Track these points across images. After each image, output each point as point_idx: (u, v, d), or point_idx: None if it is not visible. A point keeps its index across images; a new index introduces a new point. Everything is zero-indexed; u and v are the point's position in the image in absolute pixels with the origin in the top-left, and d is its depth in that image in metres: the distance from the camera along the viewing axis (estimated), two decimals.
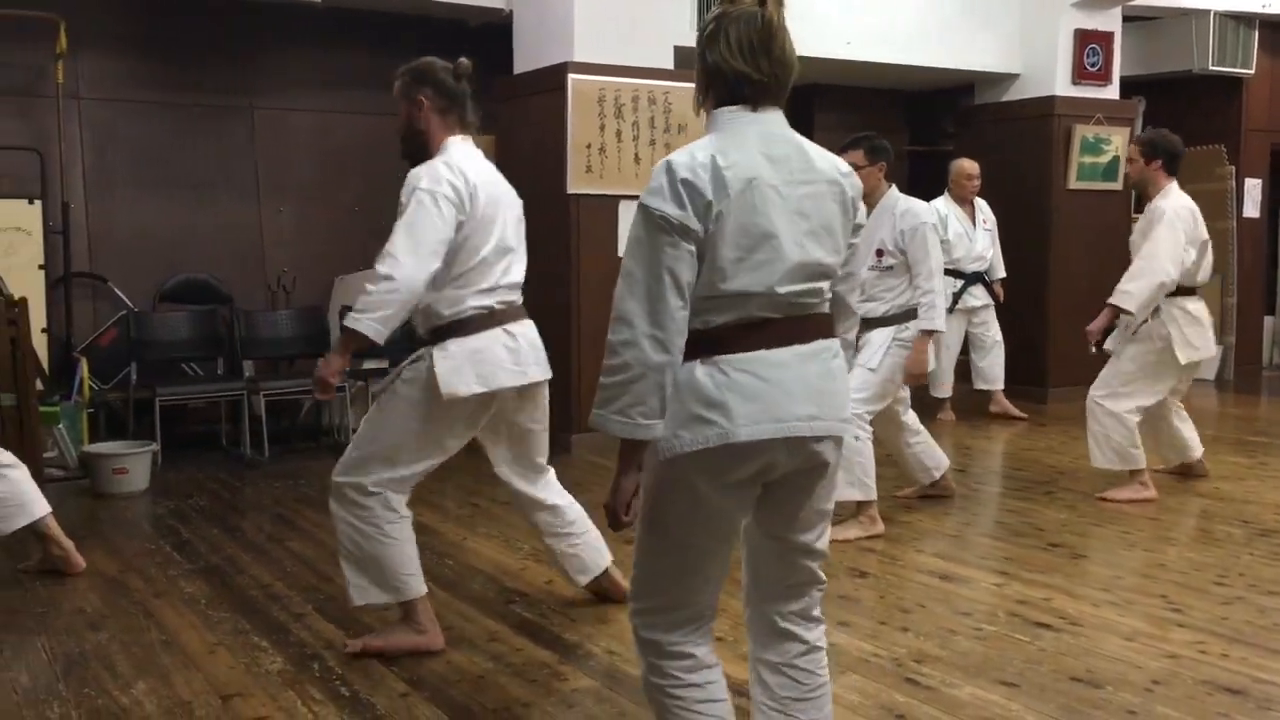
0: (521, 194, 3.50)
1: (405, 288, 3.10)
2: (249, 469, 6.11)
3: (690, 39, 6.63)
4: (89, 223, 6.57)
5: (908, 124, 9.54)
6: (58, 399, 5.79)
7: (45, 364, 5.92)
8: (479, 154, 3.40)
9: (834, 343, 2.20)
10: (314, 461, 6.26)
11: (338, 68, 7.21)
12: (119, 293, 6.58)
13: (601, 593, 3.80)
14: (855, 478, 4.49)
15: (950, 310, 6.59)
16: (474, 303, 3.27)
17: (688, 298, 2.02)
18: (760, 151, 2.07)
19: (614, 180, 6.43)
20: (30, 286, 5.91)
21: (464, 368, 3.23)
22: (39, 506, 4.09)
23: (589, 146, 6.32)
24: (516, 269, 3.39)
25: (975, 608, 3.84)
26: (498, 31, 6.95)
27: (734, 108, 2.12)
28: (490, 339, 3.28)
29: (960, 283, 7.22)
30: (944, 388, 7.38)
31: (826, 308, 2.20)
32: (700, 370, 2.05)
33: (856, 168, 3.60)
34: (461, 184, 3.21)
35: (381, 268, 3.11)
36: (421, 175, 3.21)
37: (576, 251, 6.37)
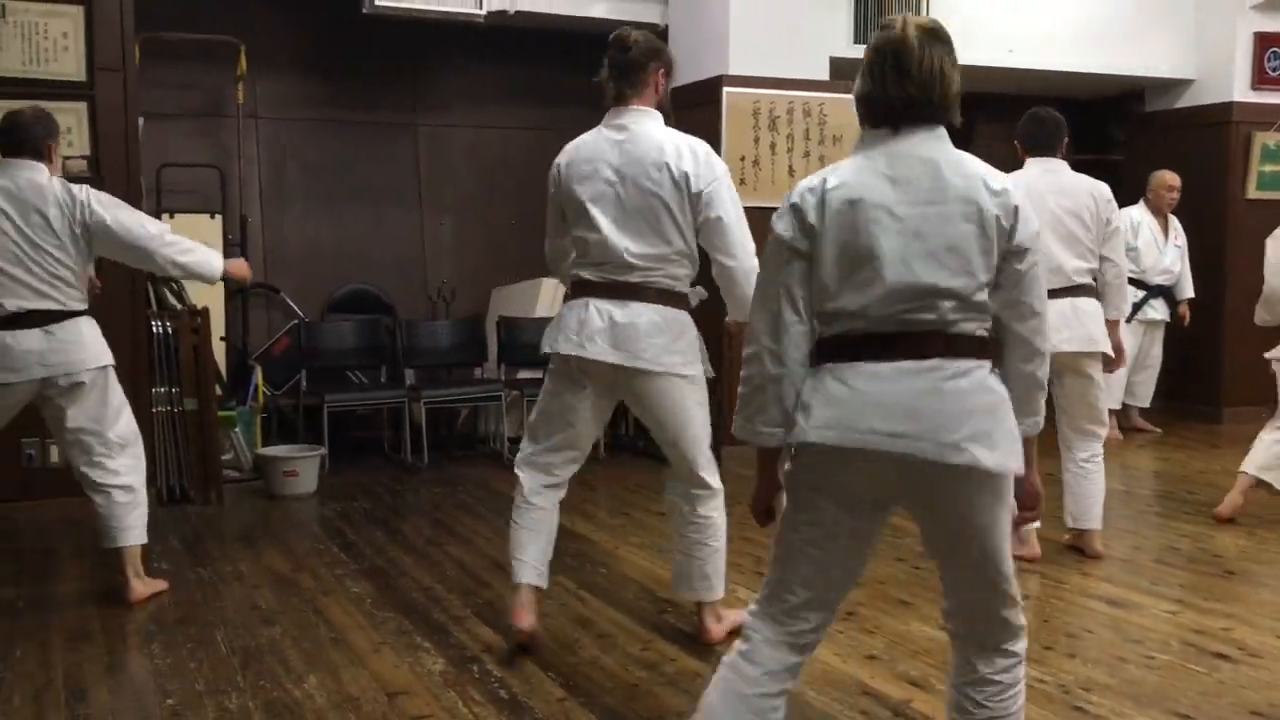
0: None
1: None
2: (409, 474, 6.31)
3: (847, 50, 6.67)
4: (264, 236, 6.90)
5: (1074, 133, 9.21)
6: (234, 404, 6.09)
7: (223, 371, 6.24)
8: (602, 129, 3.39)
9: (961, 364, 2.07)
10: (471, 469, 6.42)
11: (496, 83, 7.39)
12: (291, 303, 6.88)
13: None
14: None
15: (1128, 320, 6.33)
16: (573, 272, 3.45)
17: (804, 313, 2.15)
18: (882, 173, 2.10)
19: (767, 193, 6.40)
20: (210, 297, 6.22)
21: (550, 329, 3.45)
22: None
23: (743, 159, 6.32)
24: (621, 244, 3.29)
25: (1147, 635, 3.67)
26: None
27: (873, 130, 2.16)
28: (572, 307, 3.39)
29: (1143, 294, 6.99)
30: (1112, 400, 7.12)
31: (965, 327, 2.09)
32: (807, 378, 2.16)
33: None
34: (557, 161, 3.49)
35: None
36: None
37: None
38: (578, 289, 3.41)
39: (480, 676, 3.33)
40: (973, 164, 2.12)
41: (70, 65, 5.14)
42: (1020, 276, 2.11)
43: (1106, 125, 9.02)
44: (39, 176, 3.81)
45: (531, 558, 3.50)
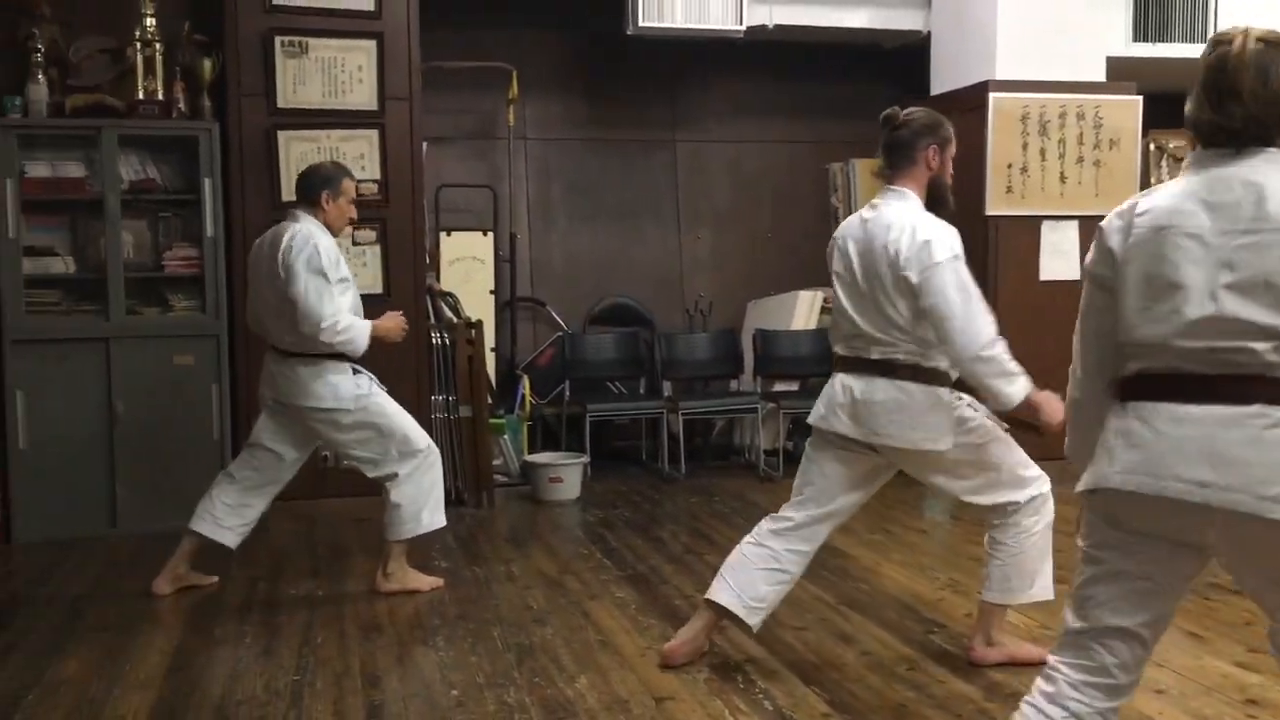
0: (942, 217, 3.42)
1: None
2: (666, 483, 6.42)
3: (1125, 49, 6.33)
4: (531, 252, 7.21)
5: None
6: (503, 412, 6.39)
7: (493, 380, 6.56)
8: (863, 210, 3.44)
9: None
10: (726, 479, 6.48)
11: (754, 98, 7.45)
12: (555, 316, 7.16)
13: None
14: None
15: None
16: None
17: (1104, 343, 2.08)
18: (1200, 197, 1.95)
19: (1036, 200, 6.17)
20: (482, 309, 6.58)
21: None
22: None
23: (1009, 166, 6.11)
24: (856, 320, 3.37)
25: None
26: (912, 53, 6.90)
27: (1202, 150, 2.01)
28: (830, 380, 3.46)
29: None
30: None
31: None
32: (1112, 413, 2.06)
33: None
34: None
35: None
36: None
37: (994, 276, 6.16)
38: (833, 363, 3.48)
39: (745, 686, 3.36)
40: None
41: (364, 95, 5.55)
42: None
43: None
44: (290, 225, 4.18)
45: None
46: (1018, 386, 3.10)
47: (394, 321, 4.29)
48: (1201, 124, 2.01)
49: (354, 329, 4.12)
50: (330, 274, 4.08)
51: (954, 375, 3.34)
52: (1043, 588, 3.45)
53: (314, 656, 3.65)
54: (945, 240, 3.20)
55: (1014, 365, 3.12)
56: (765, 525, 3.53)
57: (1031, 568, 3.42)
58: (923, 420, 3.27)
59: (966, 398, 3.35)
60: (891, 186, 3.36)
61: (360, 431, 4.24)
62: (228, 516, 4.35)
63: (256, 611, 4.14)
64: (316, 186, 4.22)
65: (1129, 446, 1.99)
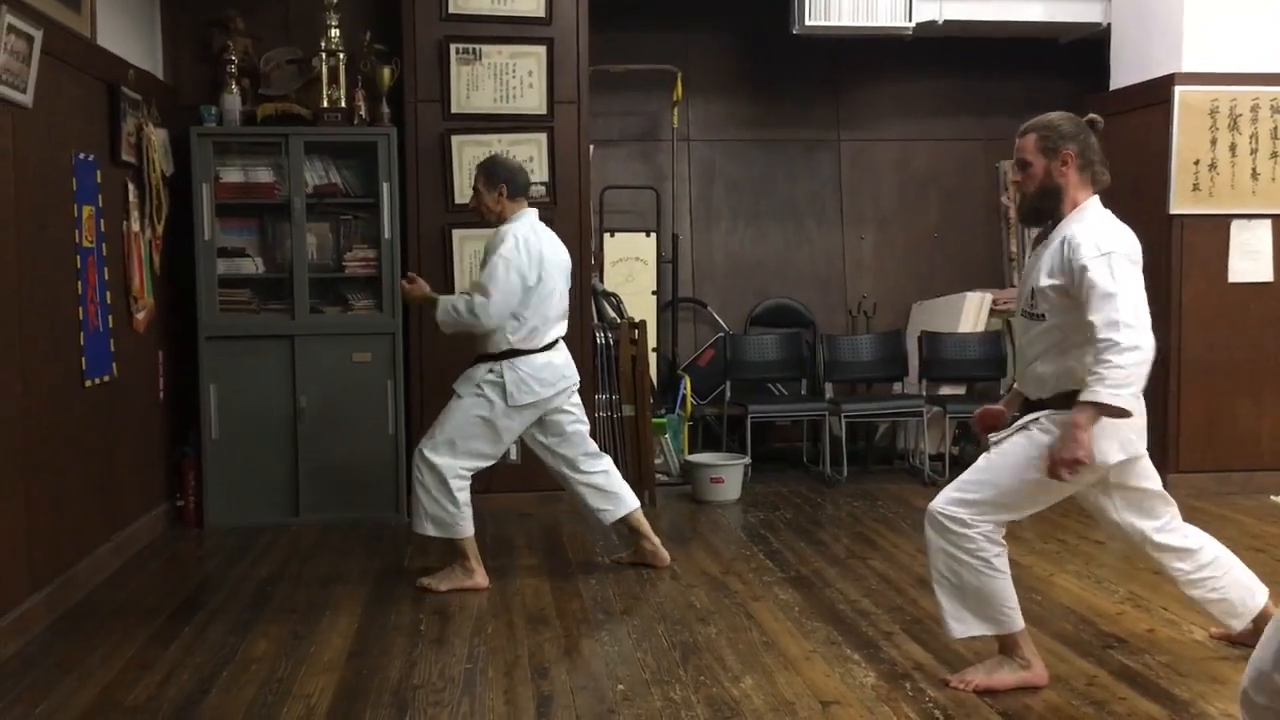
0: (1119, 215, 3.30)
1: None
2: (828, 486, 6.36)
3: None
4: (693, 252, 7.24)
5: None
6: (664, 411, 6.44)
7: (654, 380, 6.61)
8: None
9: None
10: (889, 484, 6.37)
11: (919, 96, 7.30)
12: (716, 316, 7.17)
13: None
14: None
15: None
16: None
17: None
18: None
19: (1225, 199, 5.86)
20: (645, 309, 6.64)
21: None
22: (630, 500, 4.67)
23: (1197, 163, 5.82)
24: None
25: None
26: (1089, 47, 6.65)
27: None
28: None
29: None
30: None
31: None
32: None
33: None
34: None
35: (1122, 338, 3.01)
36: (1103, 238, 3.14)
37: (1178, 278, 5.88)
38: None
39: (913, 694, 3.30)
40: None
41: (534, 100, 5.67)
42: None
43: None
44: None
45: (1016, 600, 3.39)
46: (1131, 396, 3.04)
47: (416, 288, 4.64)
48: None
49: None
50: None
51: None
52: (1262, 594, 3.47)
53: (485, 646, 3.76)
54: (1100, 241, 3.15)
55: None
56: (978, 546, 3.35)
57: (1241, 588, 3.43)
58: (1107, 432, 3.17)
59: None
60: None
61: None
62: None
63: (429, 601, 4.28)
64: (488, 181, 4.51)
65: None
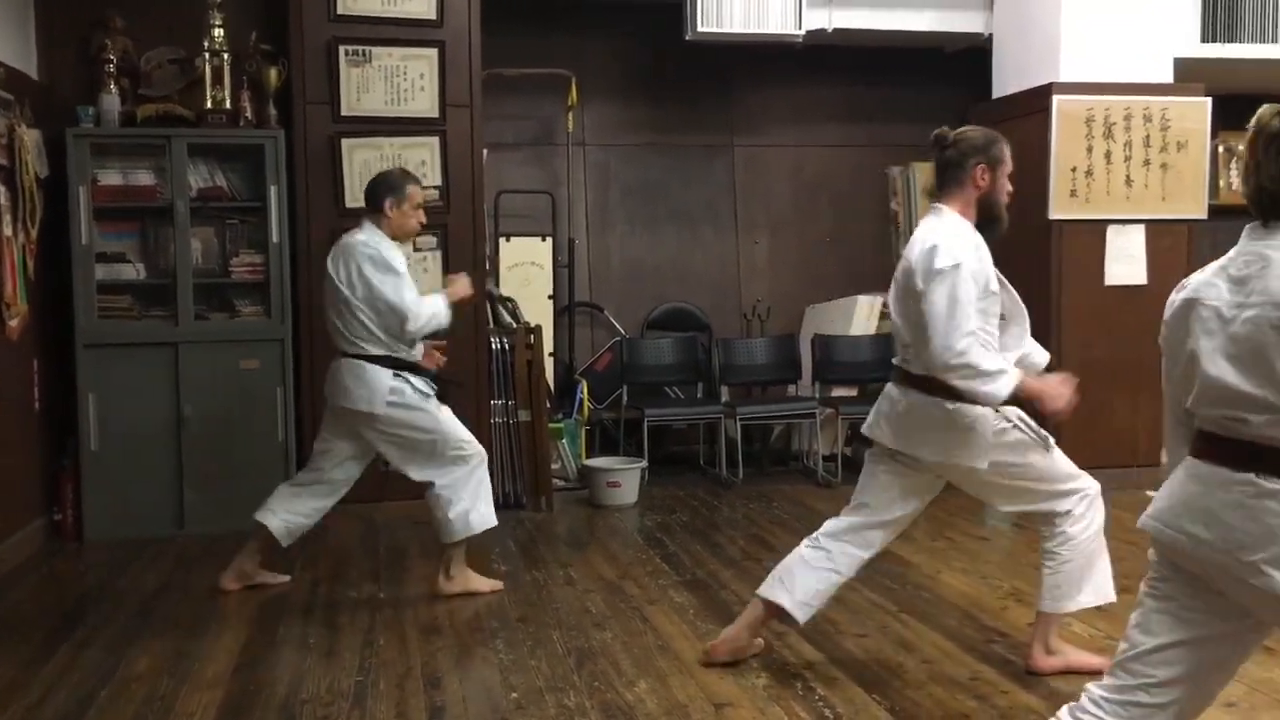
0: None
1: None
2: (724, 488, 6.41)
3: (1195, 49, 6.21)
4: (589, 257, 7.24)
5: None
6: (561, 416, 6.42)
7: (551, 385, 6.59)
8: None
9: (1274, 483, 1.89)
10: (784, 485, 6.45)
11: (811, 102, 7.42)
12: (613, 321, 7.18)
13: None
14: None
15: None
16: None
17: (1173, 403, 2.13)
18: (1228, 271, 2.01)
19: (1101, 204, 6.08)
20: (541, 314, 6.61)
21: None
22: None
23: (1074, 170, 6.02)
24: (901, 334, 3.41)
25: None
26: (974, 56, 6.83)
27: (1247, 225, 2.04)
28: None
29: None
30: None
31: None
32: None
33: None
34: None
35: None
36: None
37: (1058, 281, 6.08)
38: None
39: (804, 694, 3.34)
40: None
41: (425, 103, 5.61)
42: None
43: None
44: (357, 234, 4.26)
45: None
46: (998, 384, 3.09)
47: (460, 283, 4.41)
48: (1243, 196, 2.06)
49: (431, 304, 4.23)
50: (398, 268, 4.19)
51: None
52: (1095, 592, 3.43)
53: (376, 658, 3.70)
54: (950, 249, 3.19)
55: (990, 364, 3.10)
56: (824, 529, 3.54)
57: (1080, 575, 3.40)
58: (959, 438, 3.28)
59: (1012, 412, 3.31)
60: (934, 205, 3.39)
61: (397, 430, 4.27)
62: None
63: (319, 613, 4.20)
64: (381, 194, 4.28)
65: (1164, 494, 2.10)
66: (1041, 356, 3.50)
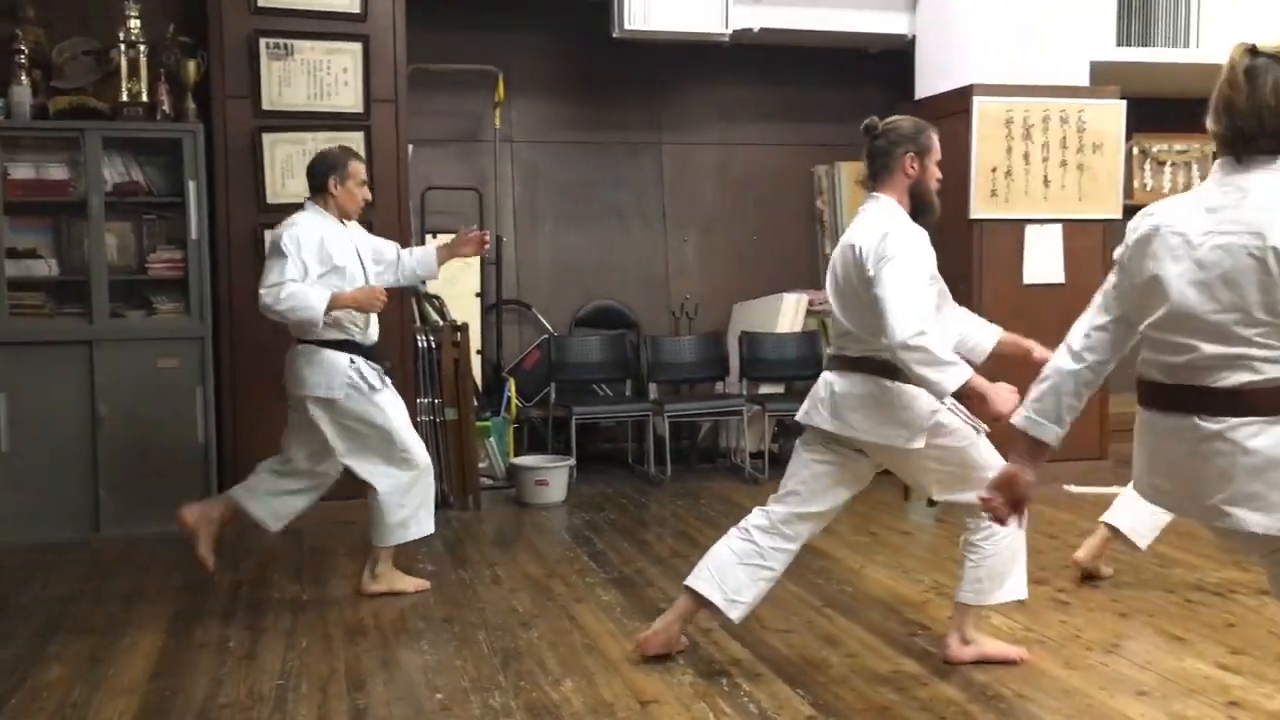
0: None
1: None
2: (652, 486, 6.43)
3: (1110, 54, 6.35)
4: (517, 254, 7.20)
5: None
6: (489, 414, 6.39)
7: (479, 383, 6.55)
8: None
9: (1219, 424, 1.96)
10: (712, 482, 6.49)
11: (738, 101, 7.46)
12: (541, 318, 7.15)
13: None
14: None
15: None
16: None
17: (1111, 330, 2.21)
18: (1203, 202, 2.06)
19: (1020, 204, 6.20)
20: (468, 312, 6.56)
21: None
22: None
23: (994, 170, 6.13)
24: (840, 318, 3.48)
25: None
26: (898, 57, 6.92)
27: (1218, 159, 2.10)
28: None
29: None
30: None
31: (1223, 379, 1.97)
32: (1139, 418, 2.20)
33: None
34: None
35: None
36: None
37: (979, 279, 6.19)
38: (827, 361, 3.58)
39: (729, 690, 3.36)
40: None
41: (349, 98, 5.54)
42: None
43: None
44: (293, 217, 4.21)
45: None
46: (949, 375, 3.12)
47: (364, 293, 4.18)
48: (1213, 135, 2.11)
49: (296, 297, 4.02)
50: (299, 255, 4.08)
51: None
52: (1012, 589, 3.49)
53: (298, 660, 3.65)
54: (902, 235, 3.26)
55: (947, 355, 3.14)
56: (751, 519, 3.56)
57: (1002, 569, 3.46)
58: (895, 417, 3.32)
59: (948, 400, 3.37)
60: (871, 194, 3.44)
61: (354, 424, 4.20)
62: None
63: (240, 615, 4.13)
64: (323, 173, 4.24)
65: (1136, 454, 2.20)
66: (987, 338, 3.59)
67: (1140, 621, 3.88)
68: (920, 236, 3.35)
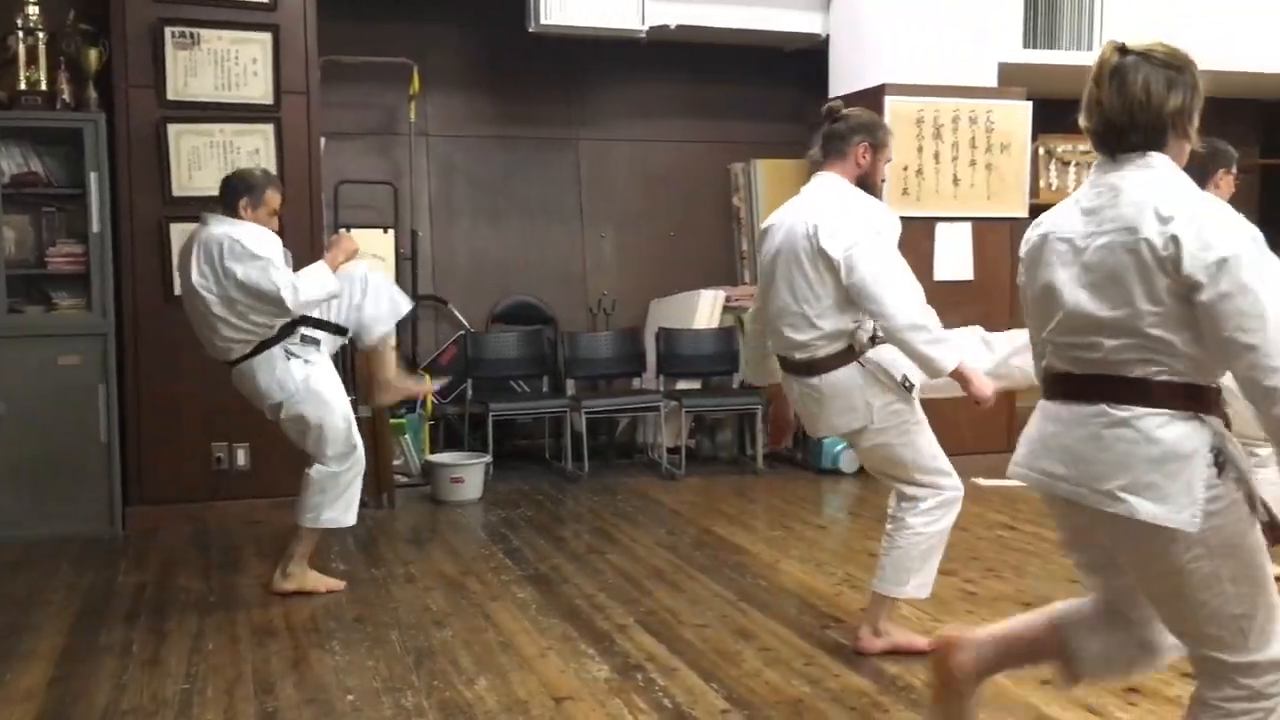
0: None
1: None
2: (569, 482, 6.41)
3: (1018, 55, 6.50)
4: (433, 249, 7.13)
5: (1259, 135, 8.76)
6: (404, 412, 6.31)
7: None
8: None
9: (1130, 411, 1.99)
10: (629, 478, 6.49)
11: (657, 97, 7.46)
12: (458, 314, 7.09)
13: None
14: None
15: None
16: None
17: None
18: (1081, 204, 2.12)
19: (931, 202, 6.31)
20: None
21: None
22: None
23: (905, 168, 6.23)
24: (780, 303, 3.52)
25: None
26: (812, 56, 6.99)
27: (1096, 160, 2.15)
28: None
29: None
30: None
31: (1138, 370, 2.00)
32: None
33: None
34: None
35: None
36: None
37: None
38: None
39: (644, 685, 3.37)
40: (1155, 189, 2.00)
41: (259, 89, 5.42)
42: (1211, 310, 1.91)
43: None
44: (211, 228, 4.08)
45: None
46: (950, 353, 3.19)
47: (341, 245, 4.21)
48: (1086, 132, 2.15)
49: (309, 278, 4.01)
50: (259, 252, 3.99)
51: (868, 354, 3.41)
52: (916, 588, 3.54)
53: (205, 663, 3.57)
54: (865, 215, 3.31)
55: (946, 334, 3.20)
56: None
57: (910, 566, 3.51)
58: (842, 405, 3.40)
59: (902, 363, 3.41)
60: (821, 172, 3.47)
61: (304, 416, 4.15)
62: None
63: (144, 618, 4.03)
64: (238, 194, 4.11)
65: (1023, 441, 2.21)
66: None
67: None
68: (878, 207, 3.40)
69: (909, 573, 3.51)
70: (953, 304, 6.30)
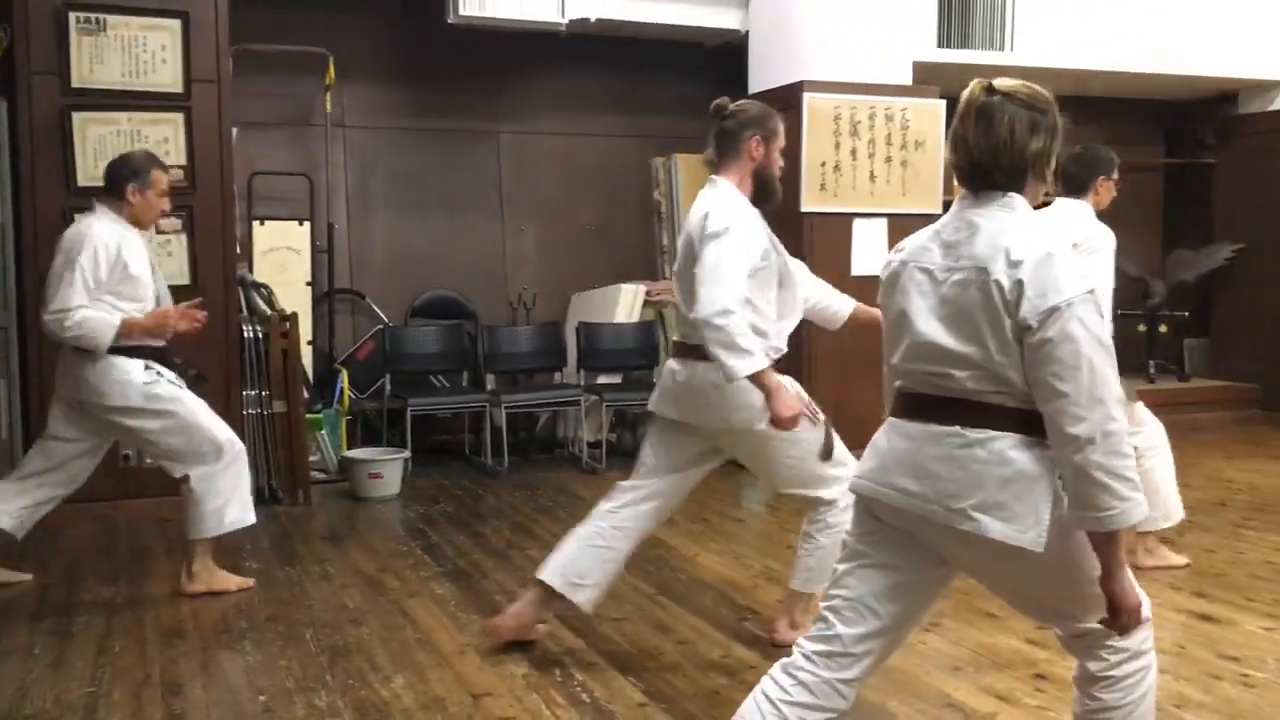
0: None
1: None
2: (489, 477, 6.38)
3: (931, 54, 6.61)
4: (350, 242, 7.03)
5: (1163, 136, 9.03)
6: (321, 407, 6.22)
7: (310, 374, 6.37)
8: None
9: (981, 434, 2.05)
10: (550, 473, 6.48)
11: (577, 91, 7.45)
12: (375, 308, 7.01)
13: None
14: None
15: None
16: None
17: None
18: (941, 237, 2.16)
19: (848, 198, 6.39)
20: (298, 302, 6.38)
21: None
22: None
23: (823, 165, 6.30)
24: (683, 307, 3.51)
25: (1243, 652, 3.58)
26: (732, 52, 7.03)
27: (959, 194, 2.19)
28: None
29: None
30: None
31: (991, 398, 2.06)
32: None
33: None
34: None
35: None
36: None
37: (809, 269, 6.33)
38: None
39: (562, 680, 3.36)
40: (1011, 232, 2.05)
41: (168, 77, 5.29)
42: (1034, 352, 1.99)
43: (1196, 128, 8.82)
44: (82, 220, 4.01)
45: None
46: (743, 363, 3.16)
47: (156, 319, 4.02)
48: (951, 166, 2.20)
49: (84, 326, 3.86)
50: (93, 274, 3.87)
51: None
52: None
53: (111, 666, 3.48)
54: (720, 215, 3.31)
55: (746, 342, 3.17)
56: (599, 505, 3.59)
57: (831, 563, 3.52)
58: (738, 401, 3.34)
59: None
60: (711, 177, 3.47)
61: (154, 423, 4.04)
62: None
63: (49, 619, 3.91)
64: (123, 178, 4.01)
65: (871, 455, 2.25)
66: (844, 305, 3.78)
67: (956, 601, 4.03)
68: (749, 217, 3.38)
69: (833, 570, 3.53)
70: (869, 298, 6.44)
